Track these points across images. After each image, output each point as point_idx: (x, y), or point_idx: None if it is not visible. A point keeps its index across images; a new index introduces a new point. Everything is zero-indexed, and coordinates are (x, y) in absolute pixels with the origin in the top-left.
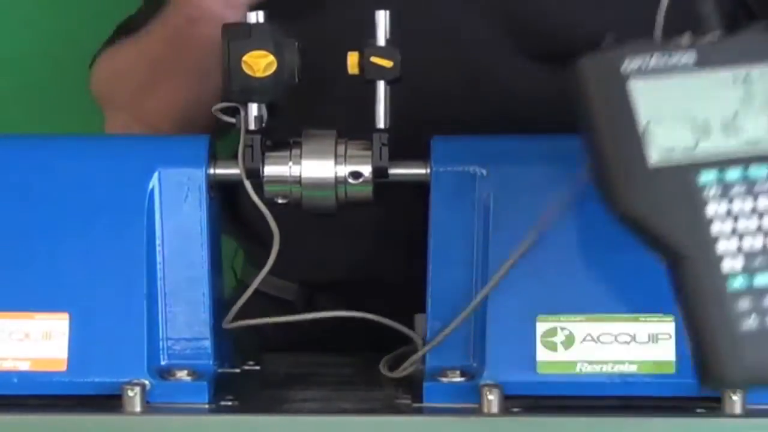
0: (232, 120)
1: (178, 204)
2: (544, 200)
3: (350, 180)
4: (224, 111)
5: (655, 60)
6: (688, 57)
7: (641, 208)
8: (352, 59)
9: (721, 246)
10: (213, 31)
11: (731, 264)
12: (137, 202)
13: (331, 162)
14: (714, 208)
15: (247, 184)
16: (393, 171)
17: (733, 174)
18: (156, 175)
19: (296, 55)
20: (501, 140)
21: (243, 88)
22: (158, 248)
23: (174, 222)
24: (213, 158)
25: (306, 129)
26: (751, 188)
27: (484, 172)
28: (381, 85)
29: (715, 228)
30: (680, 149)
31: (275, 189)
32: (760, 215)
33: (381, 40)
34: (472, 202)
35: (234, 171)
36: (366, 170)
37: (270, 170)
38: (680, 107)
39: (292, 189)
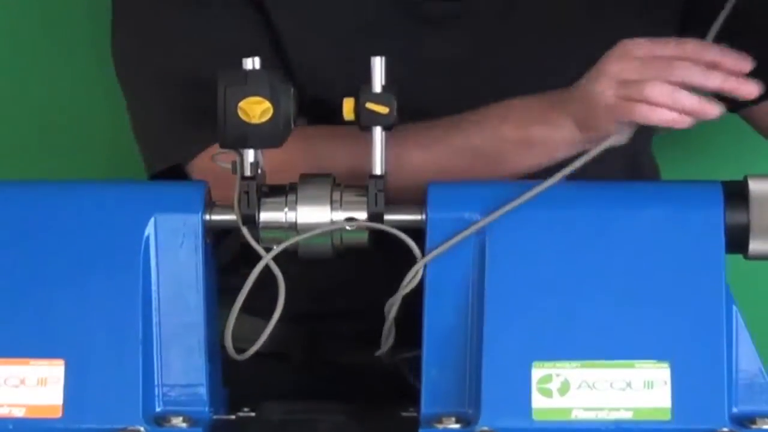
0: (228, 166)
1: (174, 250)
2: (539, 245)
3: (346, 226)
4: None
5: None
6: None
7: None
8: (348, 105)
9: None
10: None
11: None
12: (133, 247)
13: (327, 208)
14: None
15: (244, 230)
16: (388, 217)
17: None
18: (152, 220)
19: (292, 100)
20: (496, 186)
21: (239, 135)
22: (154, 294)
23: (170, 268)
24: (209, 204)
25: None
26: None
27: (479, 218)
28: (377, 131)
29: None
30: None
31: (271, 235)
32: None
33: (377, 86)
34: (467, 249)
35: (230, 217)
36: (361, 216)
37: (266, 216)
38: None
39: (288, 235)
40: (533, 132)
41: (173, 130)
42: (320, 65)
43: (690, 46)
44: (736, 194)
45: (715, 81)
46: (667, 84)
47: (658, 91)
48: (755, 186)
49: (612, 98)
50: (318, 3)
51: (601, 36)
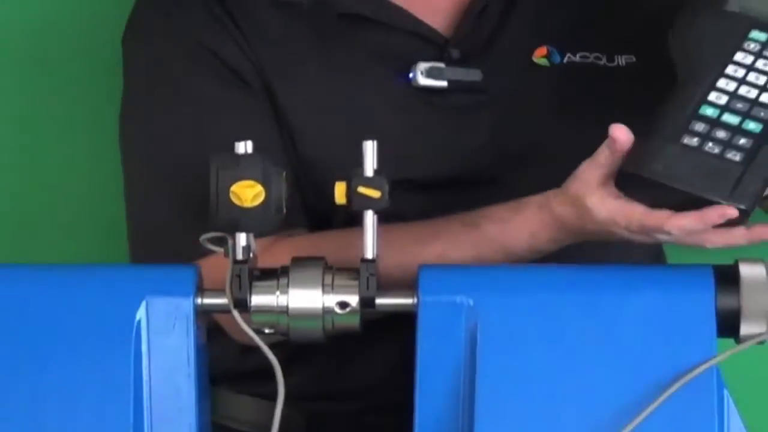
0: (220, 249)
1: (165, 333)
2: (531, 330)
3: (337, 310)
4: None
5: None
6: None
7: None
8: (339, 189)
9: (722, 82)
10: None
11: (717, 96)
12: (124, 331)
13: (319, 292)
14: (742, 56)
15: (235, 314)
16: (380, 301)
17: None
18: (144, 304)
19: (284, 185)
20: (487, 270)
21: (231, 218)
22: (145, 378)
23: (161, 352)
24: (200, 288)
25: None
26: None
27: (471, 302)
28: (369, 215)
29: (730, 69)
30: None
31: (262, 319)
32: None
33: (368, 170)
34: (459, 333)
35: (222, 300)
36: (353, 300)
37: (257, 300)
38: None
39: (279, 319)
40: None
41: (176, 235)
42: (334, 153)
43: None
44: (727, 278)
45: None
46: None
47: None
48: (746, 270)
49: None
50: (331, 90)
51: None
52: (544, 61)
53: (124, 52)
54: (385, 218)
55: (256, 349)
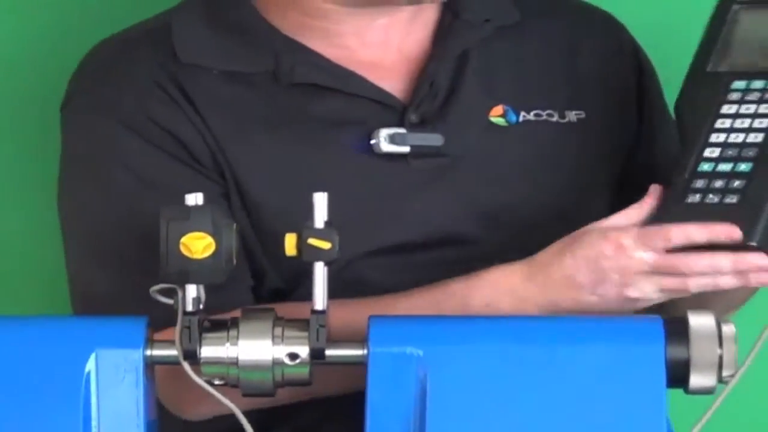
0: (170, 301)
1: (115, 385)
2: (480, 381)
3: (287, 361)
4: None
5: None
6: None
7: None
8: (290, 241)
9: (713, 137)
10: None
11: (710, 151)
12: (74, 383)
13: (269, 343)
14: (727, 108)
15: (185, 366)
16: (330, 352)
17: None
18: (93, 356)
19: (234, 236)
20: (437, 321)
21: (181, 270)
22: (94, 430)
23: (110, 403)
24: (150, 339)
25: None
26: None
27: (421, 353)
28: (319, 267)
29: (719, 122)
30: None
31: (213, 370)
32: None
33: (319, 221)
34: (409, 384)
35: (171, 352)
36: (303, 351)
37: (207, 351)
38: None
39: (230, 370)
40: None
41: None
42: (296, 225)
43: (676, 236)
44: (677, 329)
45: (725, 262)
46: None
47: (701, 282)
48: (695, 321)
49: (655, 296)
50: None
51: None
52: (501, 121)
53: (64, 121)
54: (356, 284)
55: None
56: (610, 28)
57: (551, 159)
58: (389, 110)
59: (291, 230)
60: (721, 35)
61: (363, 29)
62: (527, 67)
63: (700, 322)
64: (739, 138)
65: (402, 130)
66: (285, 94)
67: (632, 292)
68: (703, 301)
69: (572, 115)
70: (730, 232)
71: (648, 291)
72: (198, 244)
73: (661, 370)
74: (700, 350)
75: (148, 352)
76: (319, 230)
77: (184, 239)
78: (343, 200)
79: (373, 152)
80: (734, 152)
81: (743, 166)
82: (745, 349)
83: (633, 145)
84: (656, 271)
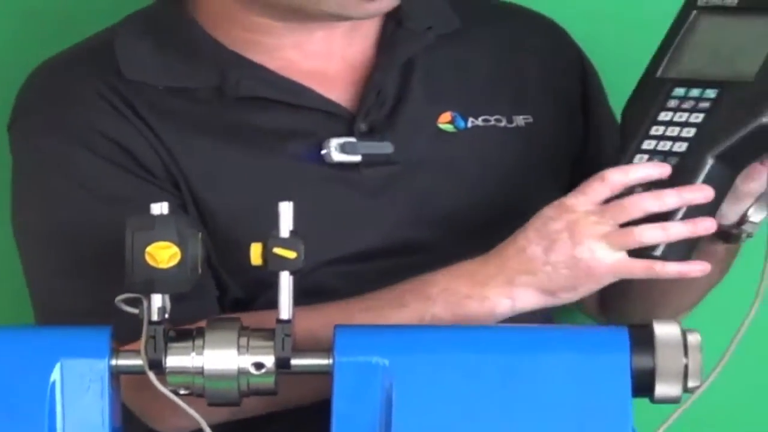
0: (135, 311)
1: (80, 395)
2: (446, 390)
3: (253, 371)
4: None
5: None
6: None
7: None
8: (255, 250)
9: (645, 143)
10: None
11: (639, 158)
12: (38, 393)
13: (234, 352)
14: (663, 115)
15: (150, 375)
16: (296, 362)
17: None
18: (58, 366)
19: (200, 245)
20: (403, 330)
21: (146, 280)
22: None
23: (75, 413)
24: (115, 349)
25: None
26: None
27: (386, 362)
28: (284, 276)
29: (653, 129)
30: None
31: (178, 380)
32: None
33: (284, 231)
34: (374, 393)
35: (137, 362)
36: (268, 361)
37: (173, 361)
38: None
39: (195, 380)
40: (467, 311)
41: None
42: (251, 237)
43: (612, 176)
44: (642, 338)
45: (671, 199)
46: (651, 224)
47: (650, 233)
48: (660, 330)
49: (608, 259)
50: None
51: (533, 195)
52: (449, 127)
53: (12, 140)
54: (317, 294)
55: None
56: (553, 33)
57: (501, 164)
58: (338, 120)
59: (247, 241)
60: (676, 41)
61: (303, 42)
62: (473, 74)
63: (665, 331)
64: (666, 146)
65: (352, 140)
66: (233, 109)
67: (584, 252)
68: (657, 296)
69: (520, 120)
70: (662, 169)
71: (599, 250)
72: (163, 254)
73: (627, 379)
74: (666, 359)
75: (114, 362)
76: (284, 239)
77: (149, 249)
78: (299, 211)
79: (324, 162)
80: (659, 159)
81: None
82: (710, 357)
83: (580, 148)
84: (603, 222)
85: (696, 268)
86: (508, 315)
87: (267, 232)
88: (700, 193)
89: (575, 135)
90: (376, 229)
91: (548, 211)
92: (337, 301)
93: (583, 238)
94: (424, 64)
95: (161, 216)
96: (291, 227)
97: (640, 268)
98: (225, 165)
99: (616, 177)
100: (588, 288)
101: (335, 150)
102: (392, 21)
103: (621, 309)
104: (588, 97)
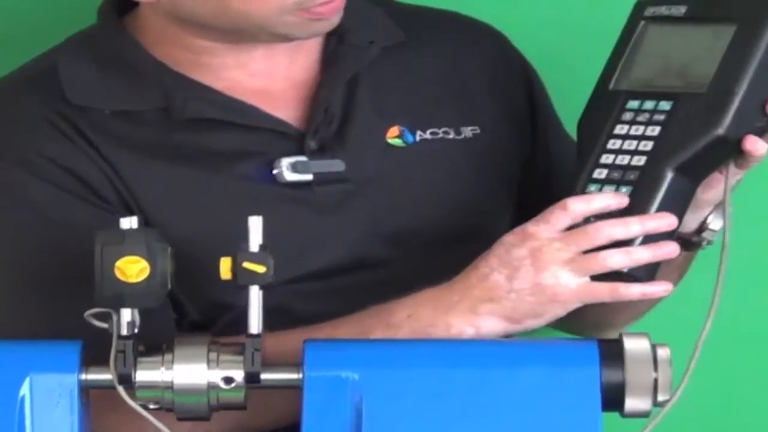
0: (105, 325)
1: (49, 410)
2: (416, 405)
3: (222, 385)
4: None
5: None
6: None
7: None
8: (225, 265)
9: (604, 157)
10: None
11: (599, 172)
12: (8, 408)
13: (204, 367)
14: (619, 128)
15: (120, 390)
16: (265, 376)
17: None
18: (27, 380)
19: (169, 260)
20: (373, 345)
21: (115, 294)
22: None
23: (45, 429)
24: (85, 363)
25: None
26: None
27: (356, 376)
28: (254, 290)
29: (610, 143)
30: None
31: (147, 394)
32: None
33: (254, 245)
34: (344, 407)
35: (106, 376)
36: (238, 375)
37: (142, 375)
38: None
39: (164, 394)
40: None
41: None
42: (206, 259)
43: (574, 205)
44: (612, 352)
45: (635, 227)
46: (615, 249)
47: (614, 258)
48: (630, 344)
49: (572, 284)
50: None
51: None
52: (398, 142)
53: None
54: (278, 312)
55: None
56: (495, 41)
57: (451, 176)
58: (287, 138)
59: (202, 263)
60: (626, 52)
61: (245, 61)
62: (418, 86)
63: (635, 345)
64: (624, 160)
65: (303, 158)
66: (181, 130)
67: (548, 278)
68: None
69: (468, 131)
70: (620, 199)
71: (563, 276)
72: (132, 268)
73: (596, 393)
74: (635, 374)
75: (83, 377)
76: (254, 254)
77: (118, 263)
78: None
79: (276, 182)
80: (618, 174)
81: (624, 189)
82: (680, 372)
83: (530, 155)
84: (566, 249)
85: (659, 288)
86: None
87: (223, 252)
88: (664, 221)
89: (524, 141)
90: (332, 247)
91: (510, 238)
92: (299, 328)
93: (547, 264)
94: (369, 79)
95: (130, 230)
96: (260, 241)
97: (605, 293)
98: (176, 187)
99: (578, 207)
100: (553, 314)
101: (287, 169)
102: (334, 36)
103: (574, 320)
104: (534, 103)
